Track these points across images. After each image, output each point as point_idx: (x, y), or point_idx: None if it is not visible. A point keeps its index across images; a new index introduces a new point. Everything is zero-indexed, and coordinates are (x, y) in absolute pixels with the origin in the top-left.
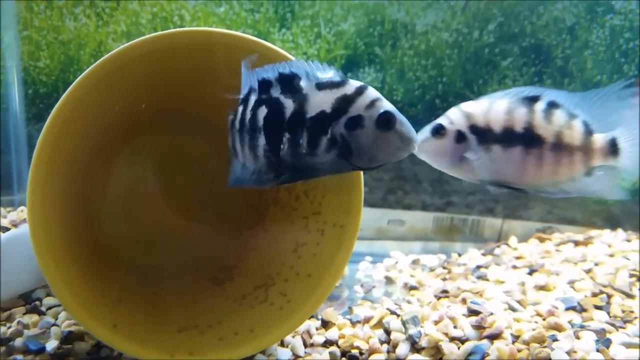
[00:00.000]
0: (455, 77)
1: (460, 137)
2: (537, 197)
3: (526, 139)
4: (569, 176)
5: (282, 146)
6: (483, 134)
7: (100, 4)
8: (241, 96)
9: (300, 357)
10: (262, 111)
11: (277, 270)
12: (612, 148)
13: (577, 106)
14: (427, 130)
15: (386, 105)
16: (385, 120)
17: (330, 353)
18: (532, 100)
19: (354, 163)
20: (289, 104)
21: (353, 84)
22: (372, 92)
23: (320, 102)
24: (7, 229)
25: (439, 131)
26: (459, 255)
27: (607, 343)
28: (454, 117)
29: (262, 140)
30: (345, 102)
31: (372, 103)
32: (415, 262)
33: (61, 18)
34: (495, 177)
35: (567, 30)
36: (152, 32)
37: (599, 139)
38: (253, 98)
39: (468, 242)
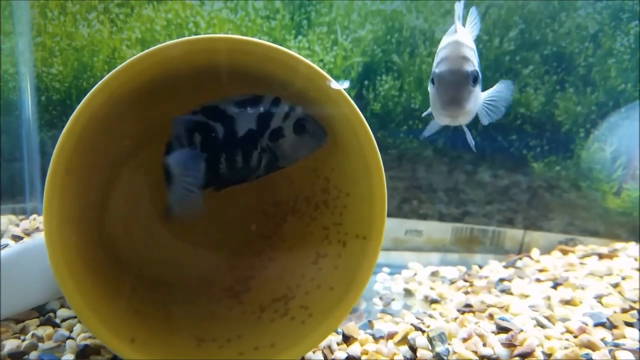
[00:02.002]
0: None
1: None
2: (558, 208)
3: None
4: None
5: (220, 165)
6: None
7: (114, 10)
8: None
9: None
10: (197, 137)
11: (297, 282)
12: None
13: None
14: (465, 79)
15: (301, 112)
16: (301, 127)
17: None
18: None
19: (279, 165)
20: (219, 127)
21: (267, 99)
22: (285, 105)
23: (246, 122)
24: (20, 238)
25: (477, 79)
26: (480, 267)
27: None
28: (473, 59)
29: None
30: (265, 118)
31: (287, 115)
32: (434, 273)
33: (75, 24)
34: None
35: (590, 38)
36: (167, 39)
37: None
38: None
39: (488, 254)
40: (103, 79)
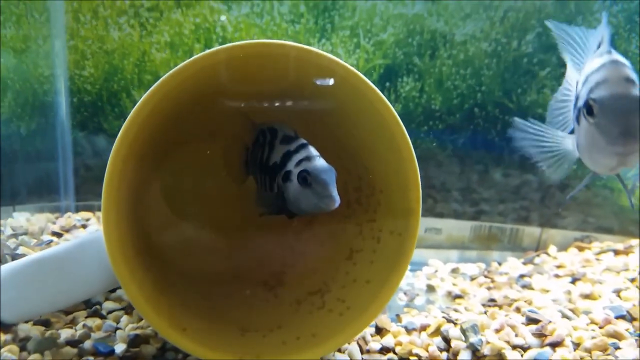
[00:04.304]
0: (494, 86)
1: None
2: (574, 206)
3: None
4: None
5: (263, 184)
6: None
7: (144, 14)
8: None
9: None
10: (261, 153)
11: (332, 277)
12: None
13: None
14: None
15: (312, 164)
16: (303, 179)
17: None
18: None
19: (289, 208)
20: (265, 152)
21: (298, 142)
22: (305, 152)
23: (277, 154)
24: (60, 235)
25: None
26: (499, 264)
27: None
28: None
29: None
30: (286, 157)
31: (300, 162)
32: (454, 270)
33: (106, 28)
34: None
35: None
36: (195, 42)
37: None
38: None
39: (505, 251)
40: (161, 78)
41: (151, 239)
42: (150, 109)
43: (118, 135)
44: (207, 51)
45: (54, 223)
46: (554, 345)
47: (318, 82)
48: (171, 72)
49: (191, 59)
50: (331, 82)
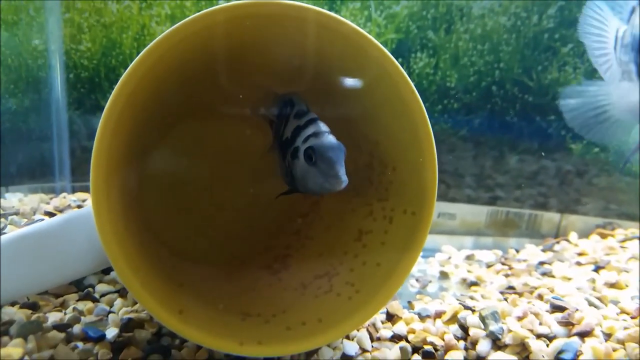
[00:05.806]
0: (513, 63)
1: None
2: (596, 191)
3: None
4: None
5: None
6: None
7: None
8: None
9: (367, 351)
10: (280, 126)
11: (339, 260)
12: None
13: None
14: None
15: (319, 141)
16: (308, 156)
17: (401, 348)
18: None
19: (297, 187)
20: (280, 126)
21: (308, 117)
22: (314, 127)
23: (289, 129)
24: (53, 215)
25: None
26: (516, 251)
27: None
28: None
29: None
30: (296, 132)
31: (308, 138)
32: (469, 257)
33: (104, 0)
34: None
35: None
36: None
37: None
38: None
39: (523, 238)
40: (152, 43)
41: (146, 217)
42: (142, 73)
43: (108, 100)
44: (212, 8)
45: (48, 203)
46: (583, 335)
47: (326, 48)
48: (167, 32)
49: (192, 16)
50: (341, 46)
